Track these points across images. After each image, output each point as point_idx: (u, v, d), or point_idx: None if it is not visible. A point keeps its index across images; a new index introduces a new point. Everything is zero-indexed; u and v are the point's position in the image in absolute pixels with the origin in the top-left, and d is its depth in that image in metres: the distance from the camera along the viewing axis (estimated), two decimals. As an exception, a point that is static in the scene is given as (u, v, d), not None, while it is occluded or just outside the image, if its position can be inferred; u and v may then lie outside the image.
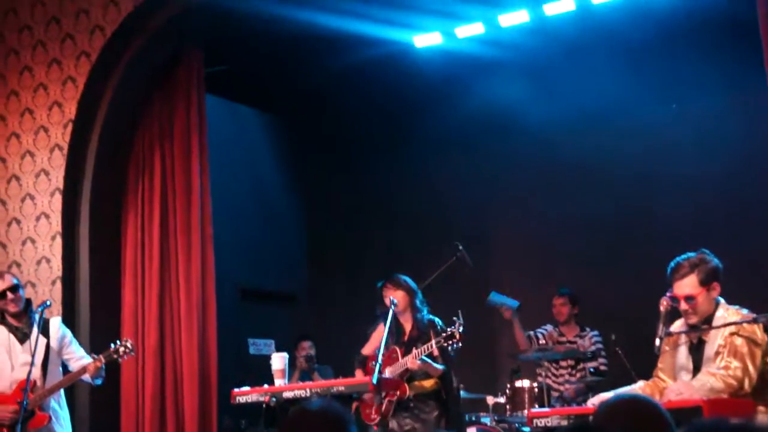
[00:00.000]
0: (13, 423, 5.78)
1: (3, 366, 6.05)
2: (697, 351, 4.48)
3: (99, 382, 6.18)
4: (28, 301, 6.26)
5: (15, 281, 6.14)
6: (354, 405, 6.15)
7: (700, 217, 7.98)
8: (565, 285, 7.98)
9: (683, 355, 4.51)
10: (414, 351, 5.96)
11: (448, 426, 6.05)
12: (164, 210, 7.61)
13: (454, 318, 5.80)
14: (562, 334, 7.80)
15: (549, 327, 7.85)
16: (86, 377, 6.06)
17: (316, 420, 2.85)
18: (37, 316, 6.08)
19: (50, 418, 5.99)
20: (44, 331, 6.09)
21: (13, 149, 7.74)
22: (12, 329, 6.12)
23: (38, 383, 5.97)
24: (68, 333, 6.28)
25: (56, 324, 6.24)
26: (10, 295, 6.05)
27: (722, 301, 4.47)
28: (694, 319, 4.44)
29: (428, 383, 6.08)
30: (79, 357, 6.20)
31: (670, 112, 8.39)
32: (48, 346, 6.07)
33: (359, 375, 6.23)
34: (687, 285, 4.40)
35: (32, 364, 5.83)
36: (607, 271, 8.38)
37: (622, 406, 2.79)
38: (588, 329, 7.74)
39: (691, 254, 4.48)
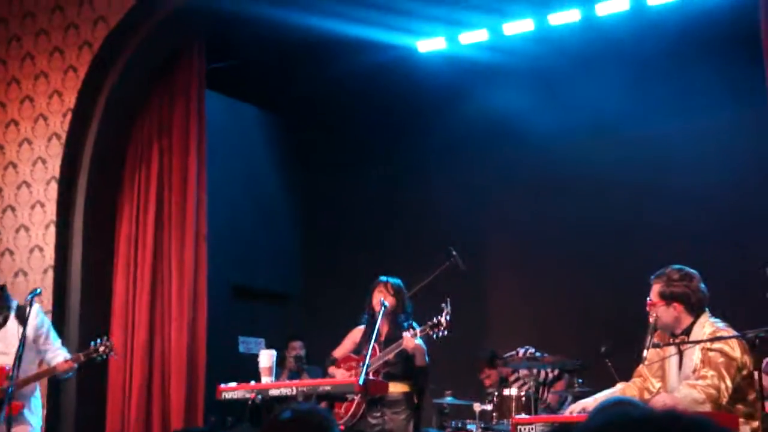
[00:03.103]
0: None
1: None
2: (680, 364, 4.51)
3: (69, 375, 6.17)
4: (2, 288, 6.22)
5: None
6: (323, 405, 6.11)
7: (702, 230, 7.94)
8: (560, 294, 7.90)
9: (673, 372, 4.51)
10: (411, 331, 5.94)
11: (417, 427, 6.04)
12: (159, 204, 7.60)
13: (442, 305, 5.79)
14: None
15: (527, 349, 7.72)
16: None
17: (293, 429, 2.76)
18: (13, 304, 6.06)
19: (23, 406, 5.96)
20: (20, 318, 6.05)
21: (11, 136, 7.73)
22: None
23: (14, 373, 5.92)
24: (46, 323, 6.21)
25: (34, 312, 6.12)
26: None
27: (706, 313, 4.49)
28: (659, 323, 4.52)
29: (398, 388, 6.06)
30: (55, 349, 6.15)
31: (674, 124, 8.36)
32: (23, 334, 6.02)
33: (336, 373, 6.20)
34: (652, 291, 4.57)
35: (21, 349, 5.81)
36: (599, 281, 8.35)
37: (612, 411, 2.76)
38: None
39: (674, 266, 4.53)
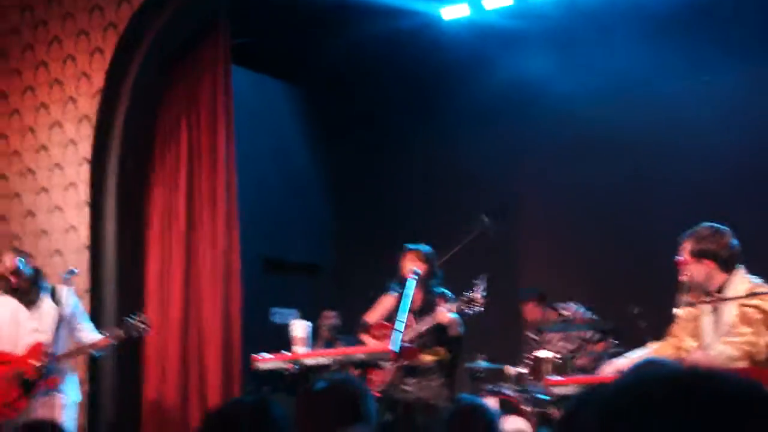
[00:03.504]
0: (31, 381, 5.90)
1: (10, 333, 6.15)
2: (716, 322, 4.49)
3: (102, 353, 6.30)
4: (37, 271, 6.36)
5: (18, 264, 6.27)
6: (357, 371, 6.18)
7: (724, 190, 7.89)
8: (587, 257, 7.89)
9: (708, 330, 4.50)
10: (443, 306, 5.97)
11: (452, 394, 6.07)
12: (190, 181, 7.66)
13: (475, 281, 5.80)
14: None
15: (571, 305, 7.74)
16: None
17: (327, 399, 2.80)
18: (48, 286, 6.19)
19: (59, 381, 6.08)
20: (54, 298, 6.20)
21: (42, 120, 7.82)
22: (19, 296, 6.23)
23: (51, 351, 6.06)
24: (79, 304, 6.37)
25: (67, 293, 6.31)
26: (13, 279, 6.21)
27: (740, 270, 4.47)
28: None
29: (432, 356, 6.10)
30: (87, 329, 6.30)
31: (696, 84, 8.29)
32: (59, 313, 6.16)
33: (367, 341, 6.25)
34: (683, 248, 4.57)
35: (58, 327, 5.95)
36: (630, 243, 8.33)
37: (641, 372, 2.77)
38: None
39: (704, 224, 4.53)
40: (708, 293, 4.51)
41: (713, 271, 4.47)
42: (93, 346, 6.25)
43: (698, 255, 4.49)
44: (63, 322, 6.14)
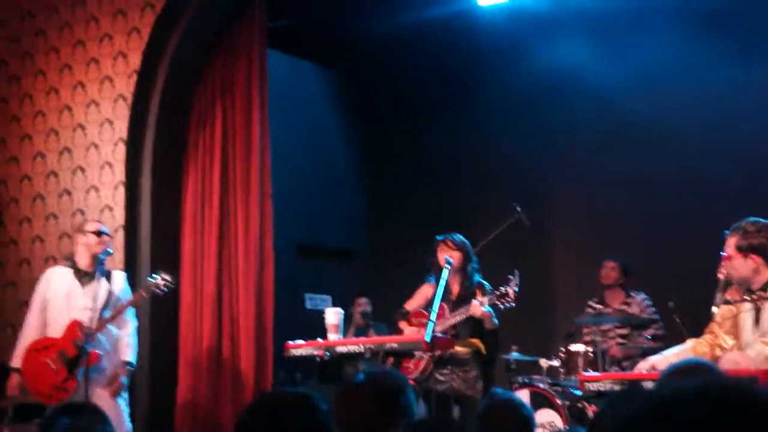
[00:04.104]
0: (73, 359, 5.97)
1: (62, 307, 6.16)
2: (758, 321, 4.42)
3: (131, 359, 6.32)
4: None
5: (102, 227, 6.36)
6: (390, 360, 6.18)
7: (764, 182, 7.78)
8: (623, 249, 7.85)
9: (748, 327, 4.42)
10: (478, 298, 5.95)
11: (487, 386, 6.05)
12: (224, 163, 7.66)
13: (509, 276, 5.77)
14: (606, 304, 7.65)
15: (591, 302, 7.72)
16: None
17: (367, 393, 2.78)
18: (103, 267, 6.24)
19: (101, 355, 6.12)
20: (108, 278, 6.26)
21: (79, 98, 7.84)
22: (77, 272, 6.26)
23: (85, 323, 6.10)
24: (129, 291, 6.41)
25: (120, 276, 6.40)
26: (95, 238, 6.25)
27: None
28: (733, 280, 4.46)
29: (465, 348, 6.08)
30: (126, 325, 6.31)
31: (736, 75, 8.18)
32: (110, 293, 6.21)
33: (404, 328, 6.23)
34: (728, 244, 4.45)
35: (103, 309, 6.02)
36: (667, 235, 8.25)
37: (686, 375, 2.74)
38: (633, 294, 7.58)
39: (750, 219, 4.43)
40: (750, 290, 4.41)
41: (760, 266, 4.37)
42: (127, 304, 6.29)
43: (745, 250, 4.37)
44: (110, 304, 6.18)
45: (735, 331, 4.49)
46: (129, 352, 6.24)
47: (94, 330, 6.03)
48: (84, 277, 6.24)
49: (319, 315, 6.18)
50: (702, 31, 8.06)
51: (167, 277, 6.21)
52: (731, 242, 4.43)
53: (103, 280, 6.23)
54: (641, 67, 8.39)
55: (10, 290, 7.85)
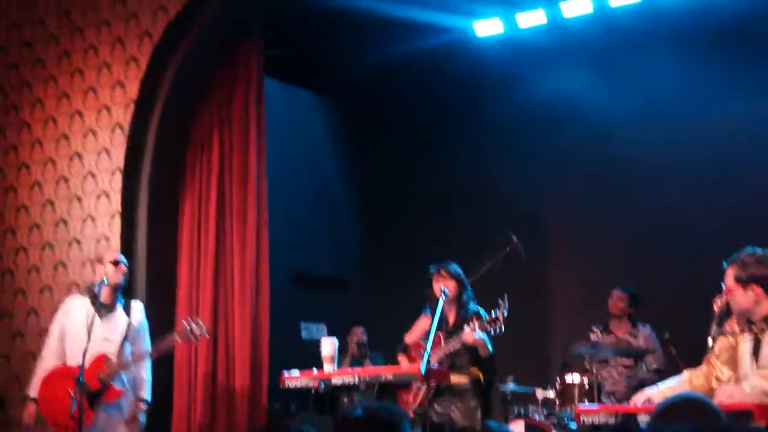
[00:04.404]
0: (94, 392, 5.99)
1: (81, 338, 6.08)
2: (756, 353, 4.40)
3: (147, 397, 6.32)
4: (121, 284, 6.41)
5: (120, 257, 6.39)
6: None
7: (761, 215, 7.81)
8: (621, 279, 7.86)
9: (746, 359, 4.41)
10: (471, 324, 5.95)
11: (485, 416, 6.04)
12: (221, 192, 7.68)
13: (499, 300, 5.78)
14: (611, 332, 7.67)
15: (595, 327, 7.73)
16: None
17: (365, 427, 2.78)
18: (121, 297, 6.28)
19: (122, 393, 6.10)
20: (126, 310, 6.29)
21: (76, 127, 7.86)
22: (96, 303, 6.25)
23: (113, 359, 6.11)
24: (146, 325, 6.42)
25: (138, 307, 6.41)
26: (112, 267, 6.27)
27: None
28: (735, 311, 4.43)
29: (463, 378, 6.07)
30: (143, 357, 6.32)
31: (736, 107, 8.22)
32: (129, 324, 6.20)
33: (403, 361, 6.23)
34: (727, 277, 4.42)
35: (124, 341, 6.07)
36: (663, 267, 8.26)
37: (679, 409, 2.74)
38: (640, 325, 7.60)
39: (748, 250, 4.42)
40: (751, 321, 4.39)
41: (761, 297, 4.33)
42: (151, 352, 6.34)
43: (745, 281, 4.34)
44: (129, 336, 6.18)
45: (733, 363, 4.47)
46: (145, 389, 6.24)
47: (121, 368, 6.04)
48: (102, 308, 6.25)
49: (314, 344, 6.17)
50: (702, 63, 8.11)
51: (202, 325, 6.19)
52: (730, 274, 4.40)
53: (121, 311, 6.25)
54: (639, 99, 8.43)
55: (6, 319, 7.84)
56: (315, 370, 5.80)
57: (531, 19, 8.30)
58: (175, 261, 7.64)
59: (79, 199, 7.75)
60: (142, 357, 6.22)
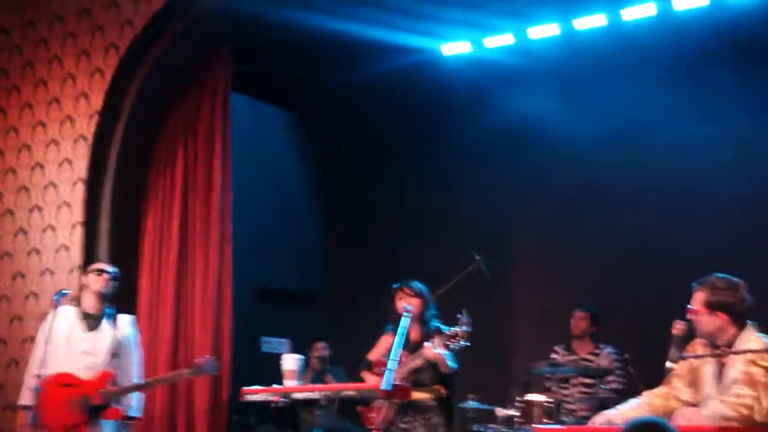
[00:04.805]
0: (95, 407, 5.95)
1: (58, 347, 5.99)
2: (719, 377, 4.42)
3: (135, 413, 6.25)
4: (111, 301, 6.31)
5: (108, 269, 6.26)
6: (357, 408, 6.15)
7: (731, 239, 7.85)
8: (585, 301, 7.91)
9: (709, 381, 4.43)
10: (431, 341, 5.95)
11: None
12: (184, 205, 7.65)
13: (458, 315, 5.79)
14: (573, 352, 7.71)
15: (557, 348, 7.77)
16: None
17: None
18: (110, 311, 6.22)
19: (122, 414, 6.06)
20: (114, 323, 6.19)
21: (38, 138, 7.80)
22: (83, 315, 6.16)
23: (117, 379, 6.07)
24: (137, 337, 6.34)
25: (125, 321, 6.30)
26: (95, 276, 6.18)
27: (751, 327, 4.39)
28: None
29: (426, 395, 6.06)
30: (136, 365, 6.25)
31: (704, 130, 8.28)
32: (115, 339, 6.13)
33: (368, 379, 6.22)
34: (695, 299, 4.40)
35: (113, 357, 6.07)
36: (626, 288, 8.30)
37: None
38: (602, 346, 7.66)
39: (718, 275, 4.43)
40: (715, 345, 4.37)
41: (726, 324, 4.32)
42: (159, 380, 6.49)
43: (713, 306, 4.32)
44: (116, 351, 6.11)
45: (696, 383, 4.46)
46: (135, 407, 6.17)
47: (124, 391, 6.01)
48: (88, 319, 6.15)
49: (276, 358, 6.14)
50: (666, 86, 8.16)
51: (216, 364, 6.18)
52: (699, 297, 4.38)
53: (108, 327, 6.14)
54: (604, 121, 8.45)
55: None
56: (276, 385, 5.76)
57: (499, 40, 8.36)
58: (136, 272, 7.59)
59: (40, 209, 7.67)
60: (131, 376, 6.16)
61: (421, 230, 9.48)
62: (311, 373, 8.34)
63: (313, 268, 10.01)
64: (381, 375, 5.98)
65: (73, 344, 6.05)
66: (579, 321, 7.72)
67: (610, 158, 8.57)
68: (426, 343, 5.97)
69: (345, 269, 9.90)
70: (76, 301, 6.30)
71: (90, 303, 6.19)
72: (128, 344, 6.23)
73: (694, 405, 4.36)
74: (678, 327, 4.55)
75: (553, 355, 7.68)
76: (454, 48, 8.54)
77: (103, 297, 6.19)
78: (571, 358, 7.62)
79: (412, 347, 6.14)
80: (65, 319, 6.13)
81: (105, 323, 6.15)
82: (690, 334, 4.59)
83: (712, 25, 7.61)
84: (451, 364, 6.03)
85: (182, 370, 6.42)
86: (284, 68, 8.84)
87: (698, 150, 8.30)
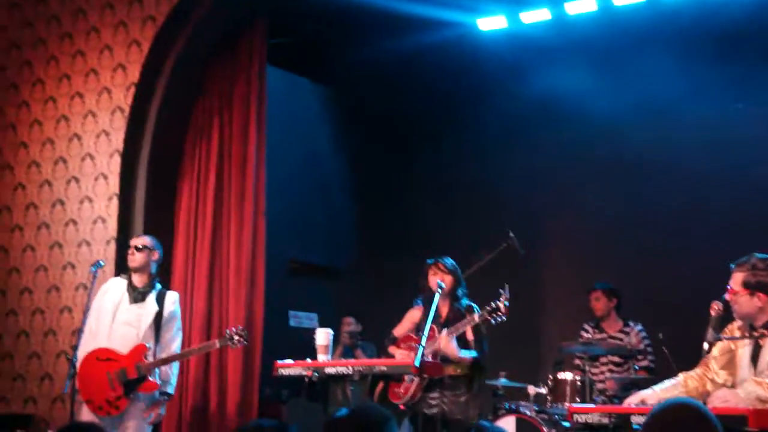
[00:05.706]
0: (132, 381, 6.03)
1: (104, 317, 6.16)
2: (755, 359, 4.39)
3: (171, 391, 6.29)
4: (154, 276, 6.37)
5: (140, 244, 6.32)
6: (380, 385, 6.18)
7: (762, 216, 7.80)
8: (618, 279, 7.86)
9: (745, 363, 4.40)
10: (448, 329, 5.96)
11: (475, 412, 6.05)
12: (219, 178, 7.68)
13: (500, 290, 5.78)
14: (602, 330, 7.66)
15: (587, 325, 7.73)
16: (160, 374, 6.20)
17: (349, 427, 2.79)
18: (158, 287, 6.29)
19: (158, 386, 6.12)
20: (159, 299, 6.26)
21: (76, 109, 7.84)
22: (131, 286, 6.27)
23: (152, 348, 6.13)
24: (178, 315, 6.39)
25: (173, 298, 6.36)
26: (131, 250, 6.29)
27: None
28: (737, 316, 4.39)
29: (456, 371, 6.07)
30: (177, 341, 6.31)
31: (735, 109, 8.23)
32: (159, 314, 6.21)
33: (396, 353, 6.22)
34: (734, 279, 4.36)
35: (157, 331, 6.15)
36: (660, 266, 8.26)
37: (672, 415, 2.74)
38: (632, 324, 7.60)
39: (758, 255, 4.36)
40: (753, 327, 4.34)
41: (766, 305, 4.29)
42: (189, 352, 6.49)
43: (753, 287, 4.29)
44: (157, 326, 6.18)
45: (731, 367, 4.43)
46: (169, 383, 6.24)
47: (156, 364, 6.07)
48: (135, 291, 6.25)
49: (304, 332, 6.17)
50: (705, 63, 8.10)
51: (242, 333, 6.20)
52: (738, 278, 4.34)
53: (152, 302, 6.23)
54: (642, 97, 8.42)
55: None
56: (308, 359, 5.80)
57: (535, 15, 8.29)
58: (171, 244, 7.63)
59: (77, 180, 7.73)
60: (170, 351, 6.21)
61: (453, 206, 9.47)
62: (341, 348, 8.38)
63: (343, 244, 10.03)
64: (407, 350, 6.01)
65: (117, 314, 6.18)
66: (595, 302, 7.64)
67: (647, 135, 8.52)
68: (441, 333, 5.97)
69: (375, 244, 9.92)
70: (127, 274, 6.39)
71: (135, 277, 6.30)
72: (171, 320, 6.30)
73: (731, 387, 4.35)
74: (716, 308, 4.50)
75: (583, 333, 7.66)
76: (491, 22, 8.49)
77: (137, 270, 6.26)
78: (600, 336, 7.59)
79: (442, 324, 6.15)
80: (116, 290, 6.28)
81: (151, 297, 6.24)
82: (727, 315, 4.56)
83: (750, 3, 7.53)
84: (466, 354, 6.02)
85: (213, 340, 6.46)
86: (320, 40, 8.83)
87: (732, 126, 8.24)
